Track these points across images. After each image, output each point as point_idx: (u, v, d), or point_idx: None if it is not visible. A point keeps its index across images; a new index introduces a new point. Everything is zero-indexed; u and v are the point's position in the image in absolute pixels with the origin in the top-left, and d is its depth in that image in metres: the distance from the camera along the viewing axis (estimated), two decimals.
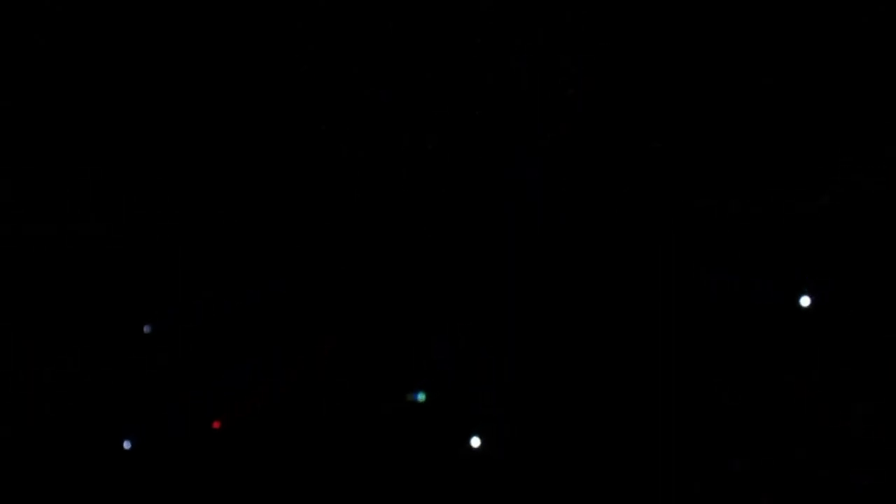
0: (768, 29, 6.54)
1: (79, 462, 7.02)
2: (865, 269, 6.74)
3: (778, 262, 6.78)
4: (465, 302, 7.02)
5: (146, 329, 6.98)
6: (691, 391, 6.88)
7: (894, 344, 6.75)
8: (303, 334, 7.09)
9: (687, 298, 6.84)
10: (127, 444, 6.95)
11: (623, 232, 6.92)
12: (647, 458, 6.85)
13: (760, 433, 6.82)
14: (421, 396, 6.95)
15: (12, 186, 6.98)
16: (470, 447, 6.84)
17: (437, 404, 6.97)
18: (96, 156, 6.94)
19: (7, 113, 6.82)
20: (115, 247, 7.07)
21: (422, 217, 6.97)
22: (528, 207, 6.86)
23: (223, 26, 6.70)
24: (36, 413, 7.07)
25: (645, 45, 6.62)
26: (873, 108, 6.63)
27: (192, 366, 7.09)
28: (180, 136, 6.89)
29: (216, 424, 6.98)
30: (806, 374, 6.83)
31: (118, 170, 6.97)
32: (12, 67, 6.72)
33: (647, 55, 6.64)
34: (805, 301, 6.66)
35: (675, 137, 6.77)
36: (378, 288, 7.06)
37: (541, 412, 6.96)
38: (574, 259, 6.95)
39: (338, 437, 7.02)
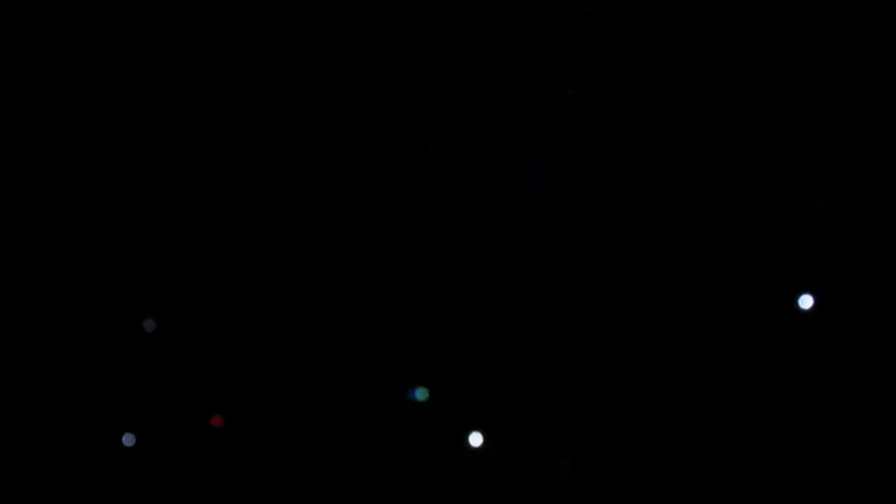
0: (768, 29, 6.54)
1: (79, 462, 7.02)
2: (865, 270, 6.74)
3: (778, 262, 6.78)
4: (465, 302, 7.02)
5: (147, 324, 6.97)
6: (691, 391, 6.88)
7: (894, 344, 6.75)
8: (303, 334, 7.09)
9: (687, 298, 6.85)
10: (127, 440, 6.94)
11: (623, 232, 6.92)
12: (647, 457, 6.85)
13: (760, 433, 6.82)
14: (421, 394, 6.95)
15: (12, 186, 6.99)
16: (470, 445, 6.84)
17: (437, 404, 6.97)
18: (96, 156, 6.94)
19: (7, 113, 6.82)
20: (115, 247, 7.07)
21: (422, 217, 6.97)
22: (528, 207, 6.86)
23: (223, 26, 6.70)
24: (36, 413, 7.07)
25: (645, 45, 6.62)
26: (873, 108, 6.63)
27: (192, 366, 7.09)
28: (180, 136, 6.89)
29: (216, 421, 6.98)
30: (806, 374, 6.83)
31: (118, 170, 6.97)
32: (12, 67, 6.72)
33: (647, 55, 6.63)
34: (807, 301, 6.66)
35: (675, 137, 6.77)
36: (378, 288, 7.06)
37: (541, 412, 6.97)
38: (574, 259, 6.95)
39: (338, 438, 7.02)
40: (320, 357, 7.11)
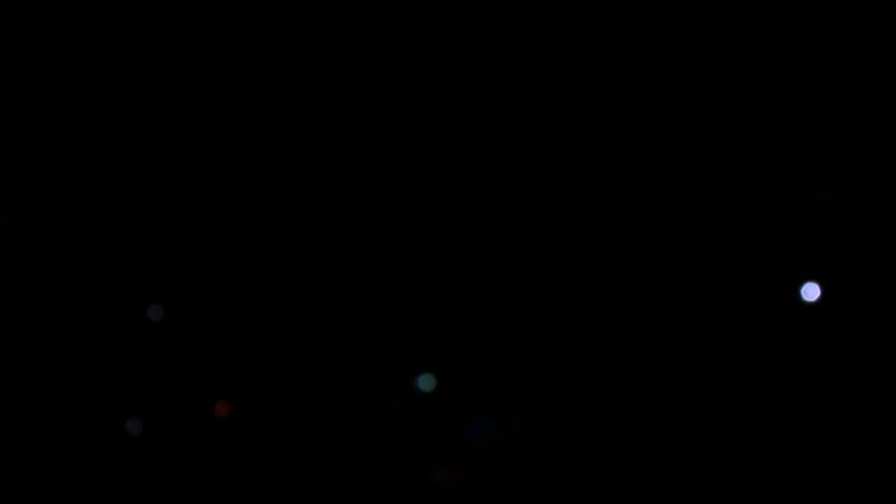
0: (768, 29, 6.54)
1: (78, 462, 7.02)
2: (865, 270, 6.74)
3: (779, 261, 6.78)
4: (464, 302, 7.02)
5: (152, 313, 6.97)
6: (692, 391, 6.88)
7: (894, 344, 6.75)
8: (302, 334, 7.09)
9: (687, 298, 6.85)
10: (132, 426, 6.94)
11: (623, 232, 6.92)
12: (647, 457, 6.85)
13: (760, 433, 6.82)
14: (425, 383, 6.94)
15: (12, 185, 6.99)
16: (471, 438, 6.84)
17: (437, 404, 6.98)
18: (97, 155, 6.94)
19: (7, 113, 6.82)
20: (116, 246, 7.07)
21: (422, 217, 6.97)
22: (528, 208, 6.86)
23: (223, 26, 6.70)
24: (36, 413, 7.07)
25: (645, 45, 6.62)
26: (873, 108, 6.63)
27: (191, 365, 7.09)
28: (180, 136, 6.89)
29: (221, 409, 6.99)
30: (806, 374, 6.83)
31: (118, 169, 6.97)
32: (12, 67, 6.72)
33: (646, 55, 6.64)
34: (813, 292, 6.65)
35: (674, 137, 6.78)
36: (378, 288, 7.06)
37: (540, 412, 6.96)
38: (574, 259, 6.95)
39: (338, 437, 7.02)
40: (323, 360, 7.11)
